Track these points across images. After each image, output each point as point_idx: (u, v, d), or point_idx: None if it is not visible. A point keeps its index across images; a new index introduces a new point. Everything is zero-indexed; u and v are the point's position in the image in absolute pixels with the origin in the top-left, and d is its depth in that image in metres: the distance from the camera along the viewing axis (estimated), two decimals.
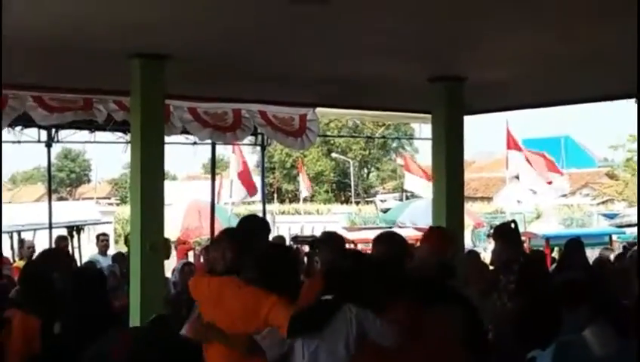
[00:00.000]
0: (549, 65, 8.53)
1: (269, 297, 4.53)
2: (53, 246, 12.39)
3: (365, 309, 4.46)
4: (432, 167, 9.94)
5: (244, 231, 5.51)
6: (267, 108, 10.61)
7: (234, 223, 19.27)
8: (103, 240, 12.17)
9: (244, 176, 17.07)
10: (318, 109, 11.07)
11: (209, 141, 11.64)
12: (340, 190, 57.53)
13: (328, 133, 38.71)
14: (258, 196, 22.10)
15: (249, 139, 13.65)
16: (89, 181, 65.02)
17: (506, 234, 7.59)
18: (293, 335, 4.44)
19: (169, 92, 8.47)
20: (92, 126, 11.65)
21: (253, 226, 5.76)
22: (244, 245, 4.98)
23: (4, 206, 14.30)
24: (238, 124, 10.39)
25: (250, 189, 17.11)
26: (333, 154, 53.71)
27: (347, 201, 52.00)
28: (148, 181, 8.21)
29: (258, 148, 15.10)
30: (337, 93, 10.10)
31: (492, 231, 8.87)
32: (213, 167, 12.89)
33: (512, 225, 7.70)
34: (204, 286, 4.92)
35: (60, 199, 45.66)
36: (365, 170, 60.82)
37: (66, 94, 9.29)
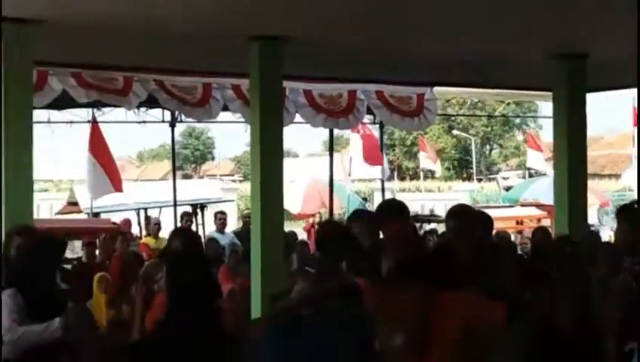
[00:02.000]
0: None
1: None
2: (178, 223, 12.81)
3: None
4: (554, 145, 9.72)
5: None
6: (384, 88, 10.61)
7: (353, 201, 19.45)
8: (220, 218, 12.41)
9: (371, 151, 16.60)
10: (437, 88, 10.98)
11: None
12: (462, 167, 56.92)
13: (449, 110, 38.17)
14: (377, 174, 22.03)
15: (368, 118, 13.70)
16: (213, 158, 66.44)
17: (631, 214, 7.40)
18: None
19: (286, 72, 8.59)
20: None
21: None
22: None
23: (132, 183, 14.85)
24: (351, 107, 10.44)
25: (377, 162, 16.67)
26: (455, 131, 53.15)
27: (469, 178, 51.45)
28: (267, 161, 8.37)
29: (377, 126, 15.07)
30: (456, 71, 9.99)
31: (616, 211, 8.63)
32: (331, 148, 13.04)
33: (637, 206, 7.51)
34: None
35: (185, 176, 46.88)
36: (488, 147, 59.96)
37: (187, 77, 9.56)
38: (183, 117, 13.06)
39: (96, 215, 15.55)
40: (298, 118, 11.80)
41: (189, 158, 64.15)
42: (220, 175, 45.12)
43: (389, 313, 4.56)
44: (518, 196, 22.05)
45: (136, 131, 78.08)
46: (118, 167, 13.64)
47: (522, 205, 20.41)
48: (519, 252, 11.50)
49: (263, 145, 8.32)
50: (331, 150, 12.99)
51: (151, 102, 10.75)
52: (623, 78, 10.55)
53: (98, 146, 12.55)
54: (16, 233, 5.74)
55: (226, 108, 10.53)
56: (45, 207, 25.68)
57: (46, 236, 5.83)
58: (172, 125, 13.00)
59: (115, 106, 11.18)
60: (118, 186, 12.95)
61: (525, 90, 11.50)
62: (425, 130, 50.73)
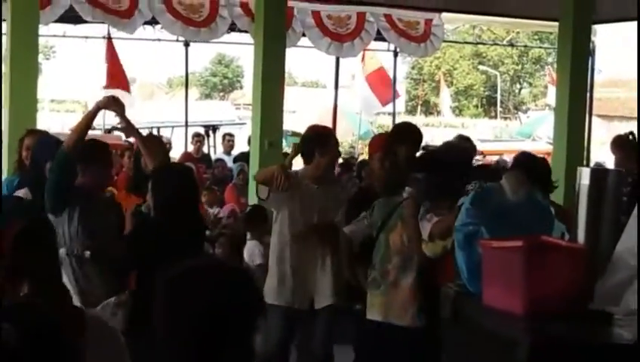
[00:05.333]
0: None
1: None
2: (189, 143, 12.96)
3: None
4: (557, 77, 9.70)
5: None
6: (392, 12, 10.61)
7: (364, 127, 19.36)
8: (228, 140, 12.52)
9: (377, 82, 16.01)
10: (444, 15, 10.95)
11: None
12: (490, 105, 56.39)
13: (480, 48, 37.67)
14: (401, 107, 21.88)
15: (382, 45, 13.69)
16: (241, 87, 66.39)
17: (624, 145, 7.49)
18: None
19: None
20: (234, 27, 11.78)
21: None
22: None
23: (162, 106, 15.01)
24: (359, 29, 10.44)
25: (383, 97, 15.97)
26: (482, 67, 52.52)
27: (497, 117, 51.08)
28: (268, 81, 8.50)
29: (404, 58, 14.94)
30: None
31: (611, 142, 8.66)
32: (337, 78, 13.19)
33: (630, 137, 7.58)
34: None
35: None
36: (518, 85, 59.27)
37: None
38: None
39: (109, 131, 15.70)
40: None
41: (217, 86, 64.12)
42: (244, 103, 45.12)
43: None
44: (532, 131, 21.94)
45: (164, 57, 77.78)
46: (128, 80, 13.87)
47: (533, 140, 20.36)
48: None
49: (265, 65, 8.45)
50: (337, 80, 13.15)
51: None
52: (633, 8, 10.42)
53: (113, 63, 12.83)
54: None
55: (233, 29, 10.57)
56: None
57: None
58: (186, 44, 13.02)
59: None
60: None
61: (532, 19, 11.38)
62: (454, 66, 50.33)
